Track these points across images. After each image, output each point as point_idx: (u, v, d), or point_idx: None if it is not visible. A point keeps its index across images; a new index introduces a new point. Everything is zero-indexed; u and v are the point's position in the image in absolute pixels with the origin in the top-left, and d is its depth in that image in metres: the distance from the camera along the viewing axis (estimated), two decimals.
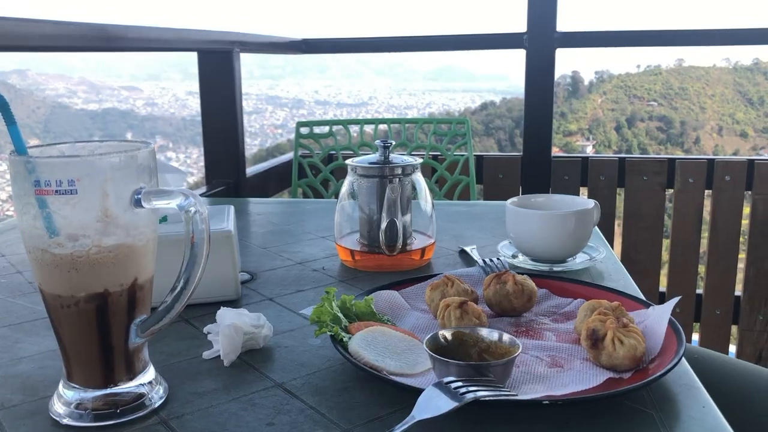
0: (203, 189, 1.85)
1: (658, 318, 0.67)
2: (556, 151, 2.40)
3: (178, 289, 0.56)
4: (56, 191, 0.52)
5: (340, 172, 2.13)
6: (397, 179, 0.96)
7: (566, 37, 2.24)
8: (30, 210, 0.54)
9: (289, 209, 1.40)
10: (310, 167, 2.09)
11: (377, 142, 0.99)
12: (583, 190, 2.37)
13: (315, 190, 2.12)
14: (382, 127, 2.12)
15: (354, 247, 0.99)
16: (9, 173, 0.55)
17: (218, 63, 1.86)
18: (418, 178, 0.99)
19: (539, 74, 2.27)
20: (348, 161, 1.00)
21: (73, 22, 1.20)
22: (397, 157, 1.00)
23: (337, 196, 2.09)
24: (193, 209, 0.55)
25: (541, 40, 2.23)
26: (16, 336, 0.76)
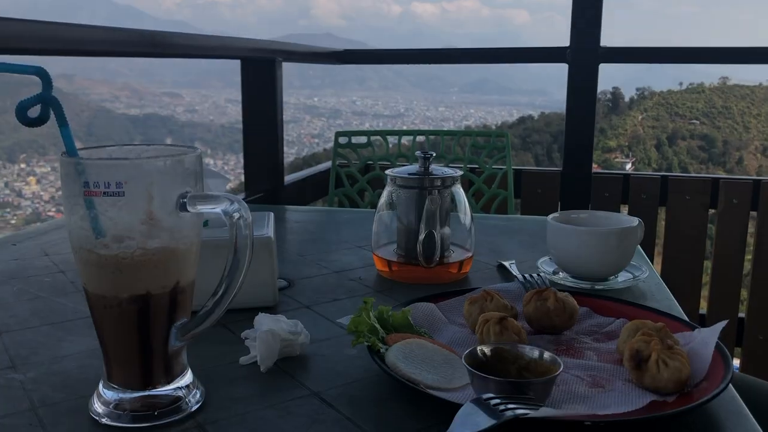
0: (242, 195, 1.87)
1: (704, 341, 0.65)
2: (595, 168, 2.36)
3: (220, 293, 0.56)
4: (104, 193, 0.53)
5: (377, 183, 2.13)
6: (437, 191, 0.96)
7: (610, 52, 2.21)
8: (78, 211, 0.55)
9: (327, 218, 1.41)
10: (348, 177, 2.10)
11: (417, 153, 0.98)
12: (624, 208, 2.33)
13: (351, 199, 2.12)
14: (420, 138, 2.12)
15: (391, 257, 0.99)
16: (60, 173, 0.56)
17: (261, 71, 1.88)
18: (458, 190, 0.98)
19: (581, 89, 2.24)
20: (387, 171, 1.00)
21: (123, 29, 1.23)
22: (437, 169, 0.99)
23: (373, 206, 2.10)
24: (237, 215, 0.55)
25: (584, 54, 2.21)
26: (58, 334, 0.77)
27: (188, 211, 0.56)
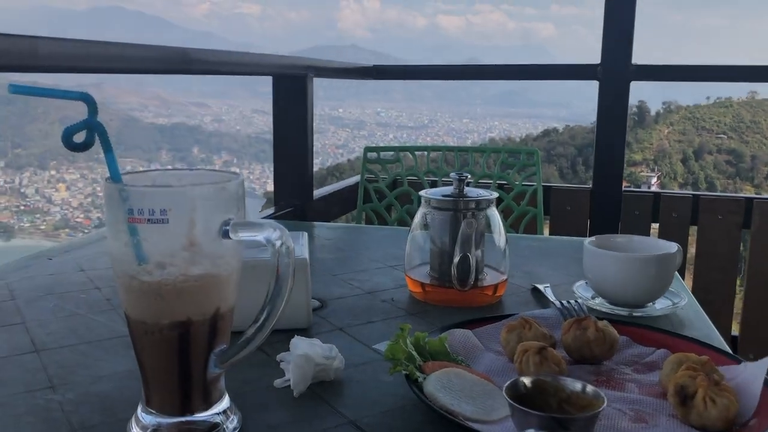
0: (271, 210, 1.87)
1: (751, 376, 0.63)
2: (624, 185, 2.34)
3: (261, 321, 0.56)
4: (148, 220, 0.53)
5: (405, 198, 2.13)
6: (471, 213, 0.95)
7: (641, 70, 2.19)
8: (121, 236, 0.55)
9: (357, 235, 1.40)
10: (375, 192, 2.10)
11: (452, 174, 0.98)
12: (654, 227, 2.30)
13: (379, 214, 2.12)
14: (436, 152, 2.11)
15: (424, 279, 0.98)
16: (103, 198, 0.57)
17: (292, 87, 1.89)
18: (493, 212, 0.97)
19: (612, 107, 2.22)
20: (422, 193, 0.99)
21: (158, 46, 1.24)
22: (472, 191, 0.98)
23: (401, 223, 2.09)
24: (280, 242, 0.55)
25: (615, 72, 2.19)
26: (96, 353, 0.77)
27: (230, 239, 0.56)
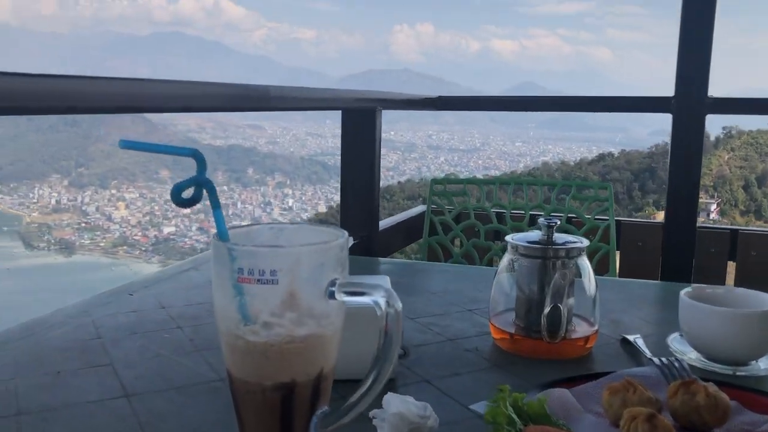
0: None
1: None
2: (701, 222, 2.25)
3: (367, 386, 0.54)
4: (258, 280, 0.53)
5: (470, 231, 2.10)
6: (562, 262, 0.92)
7: (719, 103, 2.12)
8: (228, 295, 0.54)
9: (429, 273, 1.38)
10: (441, 224, 2.08)
11: (541, 220, 0.95)
12: (731, 264, 2.21)
13: (444, 247, 2.10)
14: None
15: (510, 328, 0.95)
16: (211, 256, 0.56)
17: (361, 120, 1.90)
18: (584, 261, 0.94)
19: (686, 140, 2.15)
20: (508, 238, 0.96)
21: (241, 85, 1.26)
22: (561, 237, 0.95)
23: (466, 257, 2.06)
24: (388, 305, 0.53)
25: (690, 105, 2.13)
26: (183, 399, 0.77)
27: (336, 299, 0.55)
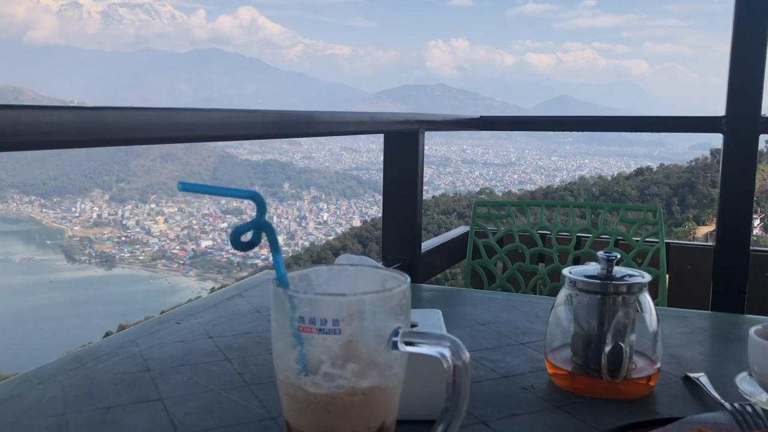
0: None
1: None
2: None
3: None
4: (320, 330, 0.51)
5: (514, 255, 2.06)
6: (622, 299, 0.88)
7: None
8: (288, 343, 0.52)
9: (477, 302, 1.35)
10: (485, 247, 2.04)
11: (600, 253, 0.91)
12: None
13: (488, 271, 2.06)
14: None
15: (567, 366, 0.92)
16: (270, 301, 0.55)
17: (403, 143, 1.88)
18: (645, 297, 0.90)
19: (738, 162, 2.08)
20: (566, 272, 0.93)
21: (288, 111, 1.26)
22: (621, 271, 0.92)
23: (510, 281, 2.02)
24: (455, 357, 0.51)
25: (742, 125, 2.06)
26: None
27: (399, 350, 0.52)
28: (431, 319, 0.89)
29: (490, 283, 2.05)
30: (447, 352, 0.51)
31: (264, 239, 0.56)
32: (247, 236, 0.55)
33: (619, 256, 0.91)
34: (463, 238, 2.34)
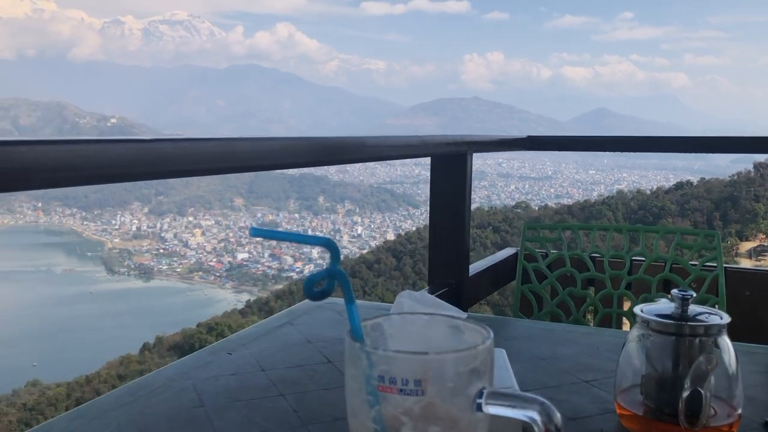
0: (426, 290, 1.81)
1: None
2: None
3: None
4: (401, 390, 0.48)
5: (565, 280, 2.00)
6: (699, 340, 0.83)
7: None
8: (363, 401, 0.49)
9: (533, 333, 1.30)
10: (534, 271, 1.99)
11: (674, 291, 0.86)
12: None
13: (537, 295, 2.01)
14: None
15: (638, 408, 0.87)
16: (346, 353, 0.52)
17: (451, 165, 1.85)
18: (724, 340, 0.85)
19: None
20: (637, 311, 0.88)
21: (337, 138, 1.24)
22: (695, 309, 0.87)
23: (561, 306, 1.97)
24: (545, 421, 0.47)
25: None
26: None
27: (482, 412, 0.49)
28: (497, 360, 0.85)
29: (540, 308, 2.00)
30: (537, 417, 0.47)
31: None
32: (320, 285, 0.52)
33: (695, 294, 0.86)
34: (511, 260, 2.29)
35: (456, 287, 1.90)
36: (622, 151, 2.22)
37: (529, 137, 2.32)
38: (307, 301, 1.52)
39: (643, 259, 1.94)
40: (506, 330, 1.33)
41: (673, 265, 1.93)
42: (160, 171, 0.88)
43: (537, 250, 2.05)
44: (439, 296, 1.81)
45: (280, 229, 0.54)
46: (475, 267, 2.11)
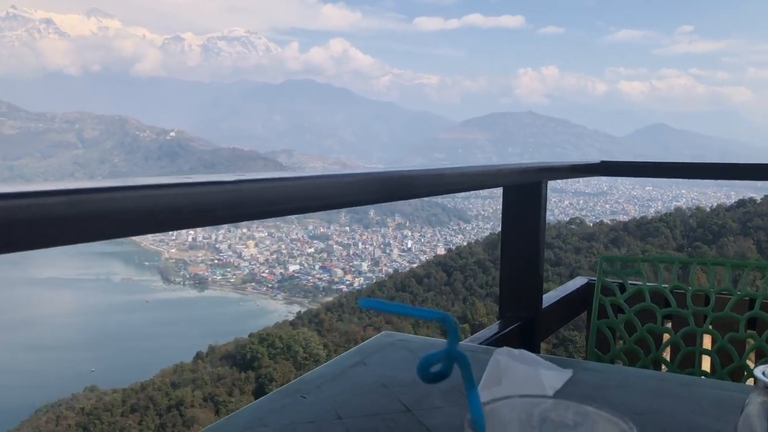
0: (495, 328, 1.74)
1: None
2: None
3: None
4: None
5: (645, 315, 1.90)
6: None
7: None
8: None
9: (621, 380, 1.22)
10: (612, 305, 1.89)
11: None
12: None
13: (614, 331, 1.91)
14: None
15: None
16: None
17: (525, 194, 1.78)
18: None
19: None
20: (758, 373, 0.80)
21: (409, 172, 1.18)
22: None
23: (640, 343, 1.86)
24: None
25: None
26: None
27: None
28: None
29: (617, 345, 1.90)
30: None
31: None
32: (437, 366, 0.47)
33: None
34: (581, 291, 2.20)
35: (529, 322, 1.82)
36: (703, 179, 2.09)
37: (603, 162, 2.23)
38: (378, 337, 1.46)
39: (730, 295, 1.82)
40: (590, 375, 1.25)
41: (764, 302, 1.80)
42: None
43: (613, 282, 1.95)
44: (511, 331, 1.74)
45: (386, 300, 0.49)
46: (547, 299, 2.03)
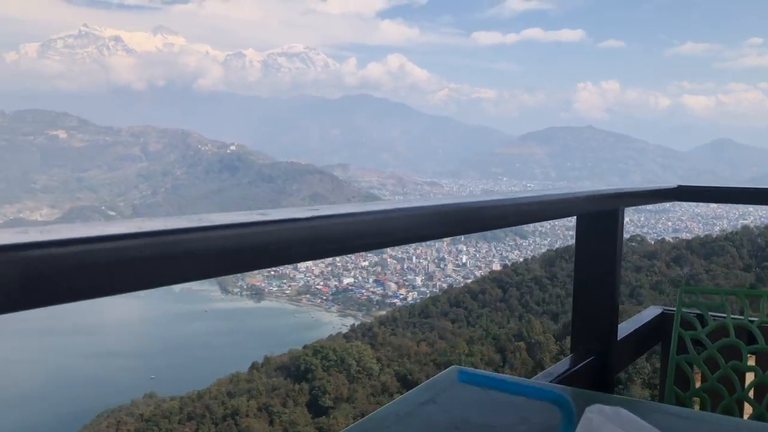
0: (567, 363, 1.65)
1: None
2: None
3: None
4: None
5: (730, 351, 1.78)
6: None
7: None
8: None
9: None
10: (692, 340, 1.79)
11: None
12: None
13: (691, 365, 1.80)
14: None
15: None
16: None
17: (601, 222, 1.69)
18: None
19: None
20: None
21: (481, 203, 1.13)
22: None
23: (723, 380, 1.74)
24: None
25: None
26: None
27: None
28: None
29: (698, 383, 1.79)
30: None
31: None
32: None
33: None
34: (655, 322, 2.08)
35: (602, 355, 1.73)
36: None
37: (680, 187, 2.11)
38: (446, 372, 1.41)
39: None
40: (682, 425, 1.16)
41: None
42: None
43: (690, 313, 1.84)
44: (585, 366, 1.65)
45: (489, 373, 0.44)
46: (623, 330, 1.93)
